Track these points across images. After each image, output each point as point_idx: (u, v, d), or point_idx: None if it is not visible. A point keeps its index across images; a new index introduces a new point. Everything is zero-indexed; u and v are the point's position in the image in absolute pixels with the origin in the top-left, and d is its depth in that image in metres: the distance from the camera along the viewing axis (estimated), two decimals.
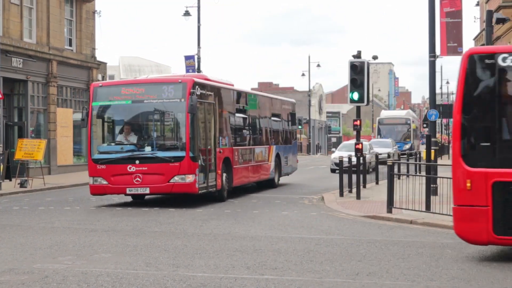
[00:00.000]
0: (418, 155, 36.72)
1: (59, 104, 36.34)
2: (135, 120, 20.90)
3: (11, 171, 29.35)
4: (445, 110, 45.11)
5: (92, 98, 20.63)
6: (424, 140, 25.46)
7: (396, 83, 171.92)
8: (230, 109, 23.19)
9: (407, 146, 57.19)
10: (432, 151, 20.67)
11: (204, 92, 20.71)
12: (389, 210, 17.67)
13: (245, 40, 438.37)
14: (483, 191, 11.19)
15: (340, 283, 9.63)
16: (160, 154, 19.87)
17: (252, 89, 56.14)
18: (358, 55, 22.57)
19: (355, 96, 21.93)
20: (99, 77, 40.00)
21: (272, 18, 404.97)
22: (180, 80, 20.11)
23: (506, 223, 11.11)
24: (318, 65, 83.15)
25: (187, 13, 43.32)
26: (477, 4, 42.64)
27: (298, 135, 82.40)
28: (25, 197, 23.88)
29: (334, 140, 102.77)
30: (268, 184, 26.81)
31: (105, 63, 46.19)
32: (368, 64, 22.36)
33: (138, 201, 21.86)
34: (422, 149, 36.11)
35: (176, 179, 19.54)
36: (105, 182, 20.01)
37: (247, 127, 24.90)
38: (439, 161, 32.87)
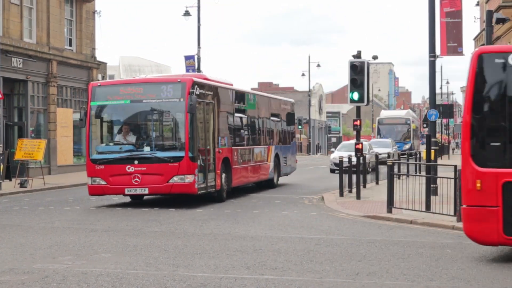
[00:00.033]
0: (418, 155, 36.72)
1: (59, 104, 36.34)
2: (134, 120, 20.78)
3: (11, 171, 29.36)
4: (445, 110, 45.14)
5: (90, 98, 20.50)
6: (424, 140, 25.46)
7: (396, 83, 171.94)
8: (229, 109, 23.12)
9: (407, 146, 57.17)
10: (432, 151, 20.68)
11: (203, 91, 20.63)
12: (389, 210, 17.67)
13: (245, 40, 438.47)
14: (493, 191, 11.07)
15: (340, 283, 9.63)
16: (159, 154, 19.76)
17: (252, 89, 56.15)
18: (358, 55, 22.56)
19: (355, 96, 21.92)
20: (99, 77, 40.00)
21: (272, 18, 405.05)
22: (179, 80, 19.99)
23: None
24: (318, 65, 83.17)
25: (187, 13, 43.33)
26: (477, 4, 42.65)
27: (298, 135, 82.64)
28: (25, 197, 23.88)
29: (334, 140, 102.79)
30: (267, 184, 26.74)
31: (105, 63, 46.19)
32: (368, 64, 22.34)
33: (138, 201, 21.84)
34: (422, 149, 36.10)
35: (175, 179, 19.44)
36: (103, 183, 19.90)
37: (246, 127, 24.83)
38: (439, 161, 32.88)
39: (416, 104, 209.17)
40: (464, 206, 11.49)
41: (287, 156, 29.19)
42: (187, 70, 41.12)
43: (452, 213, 16.06)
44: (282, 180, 29.33)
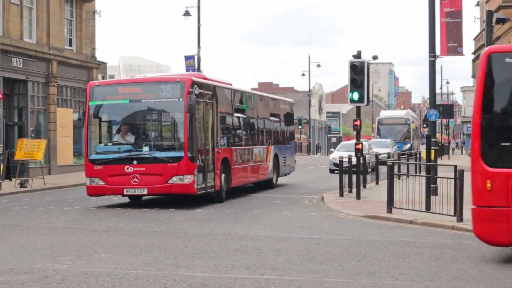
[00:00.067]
0: (418, 155, 36.73)
1: (59, 104, 36.34)
2: (133, 119, 20.65)
3: (11, 171, 29.35)
4: (445, 110, 45.15)
5: (89, 98, 20.32)
6: (424, 140, 25.46)
7: (396, 83, 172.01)
8: (228, 108, 23.02)
9: (407, 146, 57.13)
10: (432, 151, 20.67)
11: (202, 91, 20.49)
12: (389, 210, 17.67)
13: (245, 40, 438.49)
14: (504, 191, 10.96)
15: (340, 283, 9.63)
16: (158, 154, 19.61)
17: (252, 89, 56.12)
18: (358, 55, 22.55)
19: (355, 96, 21.91)
20: (99, 77, 40.00)
21: (272, 18, 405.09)
22: (178, 79, 19.84)
23: None
24: (318, 65, 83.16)
25: (187, 13, 43.33)
26: (477, 4, 42.66)
27: (298, 135, 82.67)
28: (25, 197, 23.87)
29: (334, 140, 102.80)
30: (266, 185, 26.63)
31: (105, 63, 46.19)
32: (368, 64, 22.33)
33: (138, 202, 21.82)
34: (422, 149, 36.10)
35: (175, 179, 19.30)
36: (102, 183, 19.75)
37: (245, 127, 24.69)
38: (439, 161, 32.87)
39: (416, 104, 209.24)
40: (474, 206, 11.34)
41: (286, 156, 29.09)
42: (187, 70, 41.10)
43: (452, 213, 16.06)
44: (282, 180, 29.31)
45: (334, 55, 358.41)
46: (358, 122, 22.88)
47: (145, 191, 19.56)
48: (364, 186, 25.71)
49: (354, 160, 23.51)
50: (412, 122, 62.53)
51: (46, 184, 27.91)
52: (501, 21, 18.76)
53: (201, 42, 42.46)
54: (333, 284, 9.57)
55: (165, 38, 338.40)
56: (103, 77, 41.49)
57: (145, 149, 19.90)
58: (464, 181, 15.98)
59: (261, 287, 9.35)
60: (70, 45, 37.93)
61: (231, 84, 24.28)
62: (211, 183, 20.60)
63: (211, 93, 21.25)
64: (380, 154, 31.24)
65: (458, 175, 15.82)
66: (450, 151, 78.55)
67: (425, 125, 51.99)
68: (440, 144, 53.03)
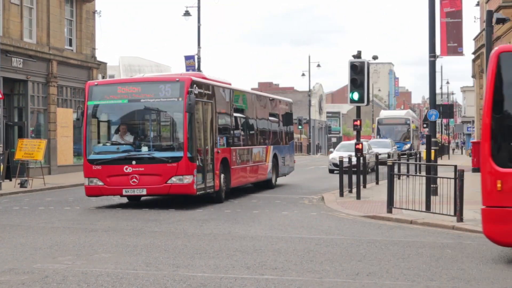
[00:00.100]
0: (418, 155, 36.72)
1: (59, 104, 36.35)
2: (132, 119, 20.52)
3: (11, 171, 29.36)
4: (445, 110, 45.18)
5: (87, 97, 20.13)
6: (424, 140, 25.46)
7: (396, 83, 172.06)
8: (227, 108, 22.90)
9: (407, 146, 57.10)
10: (432, 151, 20.67)
11: (202, 91, 20.35)
12: (389, 210, 17.67)
13: (245, 40, 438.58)
14: None
15: (340, 283, 9.63)
16: (157, 154, 19.46)
17: (252, 89, 56.10)
18: (358, 55, 22.55)
19: (355, 96, 21.91)
20: (99, 77, 40.00)
21: (272, 18, 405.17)
22: (177, 79, 19.67)
23: None
24: (318, 65, 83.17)
25: (187, 13, 43.33)
26: (477, 4, 42.64)
27: (298, 135, 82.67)
28: (25, 197, 23.87)
29: (334, 140, 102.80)
30: (265, 185, 26.51)
31: (105, 63, 46.21)
32: (368, 64, 22.33)
33: (137, 202, 21.81)
34: (422, 149, 36.12)
35: (174, 180, 19.16)
36: (100, 183, 19.59)
37: (244, 127, 24.55)
38: (439, 161, 32.87)
39: (416, 104, 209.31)
40: (484, 207, 11.26)
41: (285, 156, 28.98)
42: (187, 70, 41.07)
43: (452, 213, 16.06)
44: (281, 180, 29.29)
45: (334, 55, 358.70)
46: (358, 122, 22.88)
47: (144, 192, 19.41)
48: (364, 186, 25.71)
49: (354, 160, 23.51)
50: (412, 122, 62.48)
51: (46, 184, 27.91)
52: (501, 21, 18.74)
53: (201, 42, 42.51)
54: (333, 284, 9.57)
55: (165, 38, 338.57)
56: (103, 77, 41.49)
57: (144, 149, 19.74)
58: (464, 181, 16.00)
59: (261, 287, 9.35)
60: (70, 45, 37.94)
61: (230, 84, 24.09)
62: (211, 183, 20.47)
63: (210, 92, 21.14)
64: (380, 154, 31.23)
65: (458, 175, 15.82)
66: (450, 151, 78.58)
67: (425, 125, 52.01)
68: (440, 144, 53.03)
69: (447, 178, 17.13)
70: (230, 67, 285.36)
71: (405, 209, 17.68)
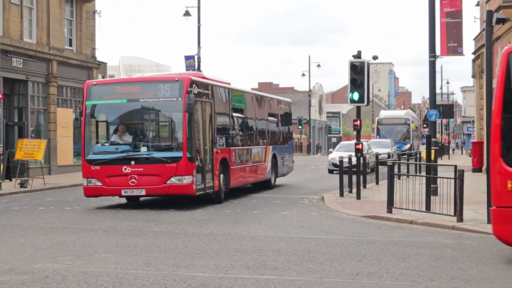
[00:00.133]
0: (418, 155, 36.71)
1: (59, 104, 36.35)
2: (130, 119, 20.34)
3: (11, 171, 29.36)
4: (445, 110, 45.18)
5: (86, 97, 19.95)
6: (424, 140, 25.46)
7: (396, 83, 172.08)
8: (227, 108, 22.73)
9: (407, 147, 57.10)
10: (432, 151, 20.67)
11: (201, 90, 20.21)
12: (389, 210, 17.67)
13: (245, 40, 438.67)
14: None
15: (340, 283, 9.63)
16: (156, 154, 19.30)
17: (252, 89, 56.10)
18: (358, 55, 22.55)
19: (355, 96, 21.90)
20: (99, 77, 40.01)
21: (272, 18, 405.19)
22: (177, 79, 19.51)
23: None
24: (318, 65, 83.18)
25: (187, 13, 43.35)
26: (477, 4, 42.61)
27: (298, 135, 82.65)
28: (25, 197, 23.87)
29: (334, 140, 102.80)
30: (265, 185, 26.41)
31: (105, 63, 46.22)
32: (368, 64, 22.32)
33: (136, 202, 21.80)
34: (422, 149, 36.11)
35: (173, 180, 19.02)
36: (99, 184, 19.44)
37: (244, 127, 24.41)
38: (439, 161, 32.86)
39: (416, 104, 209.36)
40: (493, 207, 11.22)
41: (285, 156, 28.88)
42: (187, 70, 41.06)
43: (452, 213, 16.06)
44: (281, 180, 29.29)
45: (334, 55, 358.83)
46: (358, 122, 22.87)
47: (143, 192, 19.29)
48: (364, 186, 25.71)
49: (354, 160, 23.50)
50: (412, 122, 62.47)
51: (46, 184, 27.91)
52: (501, 21, 18.67)
53: (201, 42, 42.52)
54: (333, 284, 9.57)
55: (165, 38, 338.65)
56: (103, 77, 41.50)
57: (143, 149, 19.58)
58: (464, 181, 16.01)
59: (261, 287, 9.34)
60: (70, 45, 37.94)
61: (229, 84, 23.92)
62: (210, 183, 20.34)
63: (209, 92, 20.99)
64: (379, 154, 31.23)
65: (458, 175, 15.82)
66: (450, 151, 78.61)
67: (425, 125, 52.00)
68: (440, 144, 53.04)
69: (447, 178, 17.14)
70: (230, 67, 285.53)
71: (405, 209, 17.68)
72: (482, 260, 11.37)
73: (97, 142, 20.51)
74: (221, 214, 18.30)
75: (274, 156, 27.15)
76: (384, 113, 65.96)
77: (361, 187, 23.37)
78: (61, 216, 17.87)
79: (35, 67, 34.20)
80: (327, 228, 15.40)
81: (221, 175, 21.31)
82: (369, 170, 30.31)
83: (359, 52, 22.77)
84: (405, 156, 37.02)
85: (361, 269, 10.54)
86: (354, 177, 23.28)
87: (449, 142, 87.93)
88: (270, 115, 27.60)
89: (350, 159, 23.46)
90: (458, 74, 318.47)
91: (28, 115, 34.04)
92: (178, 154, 19.12)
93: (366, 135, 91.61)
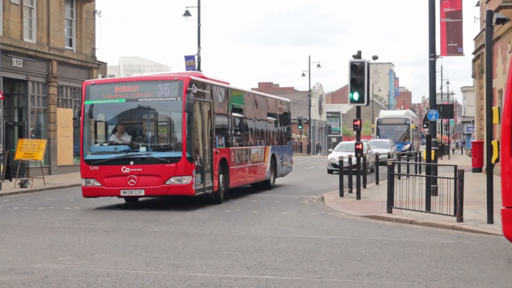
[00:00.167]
0: (418, 155, 36.69)
1: (59, 104, 36.35)
2: (129, 119, 20.15)
3: (11, 171, 29.36)
4: (445, 110, 45.12)
5: (84, 97, 19.78)
6: (424, 140, 25.47)
7: (396, 83, 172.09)
8: (226, 108, 22.61)
9: (406, 147, 57.08)
10: (432, 151, 20.67)
11: (200, 90, 20.08)
12: (389, 210, 17.67)
13: (245, 40, 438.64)
14: None
15: (340, 283, 9.63)
16: (156, 154, 19.15)
17: (252, 89, 56.09)
18: (358, 55, 22.55)
19: (355, 96, 21.90)
20: (99, 77, 40.00)
21: (272, 18, 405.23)
22: (176, 78, 19.36)
23: None
24: (318, 65, 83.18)
25: (187, 13, 43.35)
26: (477, 4, 42.61)
27: (298, 135, 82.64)
28: (25, 197, 23.87)
29: (334, 140, 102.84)
30: (264, 186, 26.34)
31: (105, 63, 46.24)
32: (368, 64, 22.31)
33: (139, 202, 21.79)
34: (422, 149, 36.12)
35: (172, 180, 18.89)
36: (98, 184, 19.30)
37: (243, 127, 24.29)
38: (439, 161, 32.87)
39: (416, 104, 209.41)
40: (504, 207, 11.17)
41: (284, 156, 28.79)
42: (187, 70, 41.06)
43: (452, 213, 16.05)
44: (281, 180, 29.28)
45: (334, 55, 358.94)
46: (358, 122, 22.86)
47: (142, 192, 19.16)
48: (364, 186, 25.71)
49: (354, 160, 23.50)
50: (412, 122, 62.44)
51: (46, 184, 27.91)
52: (501, 21, 18.66)
53: (201, 42, 42.52)
54: (333, 284, 9.57)
55: (165, 38, 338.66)
56: (103, 77, 41.49)
57: (142, 149, 19.43)
58: (464, 181, 16.01)
59: (261, 287, 9.34)
60: (70, 45, 37.94)
61: (228, 84, 23.79)
62: (209, 184, 20.22)
63: (209, 92, 20.87)
64: (379, 154, 31.23)
65: (458, 175, 15.82)
66: (450, 151, 78.62)
67: (425, 125, 51.97)
68: (440, 144, 53.04)
69: (447, 178, 17.14)
70: (230, 67, 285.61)
71: (405, 209, 17.68)
72: (482, 260, 11.37)
73: (96, 142, 20.38)
74: (221, 214, 18.30)
75: (273, 156, 27.08)
76: (383, 113, 65.91)
77: (361, 187, 23.37)
78: (61, 216, 17.87)
79: (35, 67, 34.20)
80: (327, 228, 15.40)
81: (221, 175, 21.22)
82: (368, 171, 30.31)
83: (359, 52, 22.77)
84: (405, 156, 37.01)
85: (361, 269, 10.54)
86: (354, 177, 23.28)
87: (449, 142, 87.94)
88: (269, 115, 27.51)
89: (350, 159, 23.45)
90: (458, 74, 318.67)
91: (28, 115, 34.04)
92: (178, 154, 18.99)
93: (366, 135, 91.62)
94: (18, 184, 26.88)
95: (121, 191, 19.27)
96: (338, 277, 10.03)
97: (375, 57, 48.35)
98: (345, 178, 23.11)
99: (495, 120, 13.96)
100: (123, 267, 10.64)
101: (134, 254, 11.89)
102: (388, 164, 18.55)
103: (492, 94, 16.40)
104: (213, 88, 21.45)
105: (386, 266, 10.84)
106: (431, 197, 18.13)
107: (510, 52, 26.12)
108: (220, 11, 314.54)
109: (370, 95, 70.36)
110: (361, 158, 24.14)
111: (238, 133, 23.81)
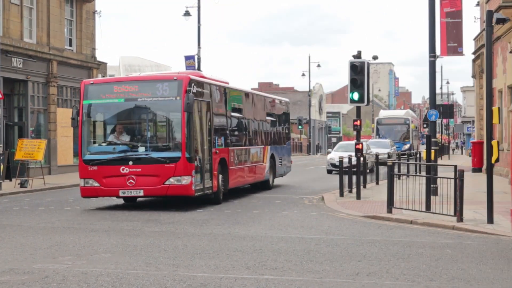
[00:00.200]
0: (418, 155, 36.69)
1: (59, 104, 36.35)
2: (128, 119, 19.97)
3: (11, 171, 29.35)
4: (445, 110, 45.12)
5: (83, 96, 19.63)
6: (424, 140, 25.48)
7: (396, 83, 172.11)
8: (225, 108, 22.51)
9: (406, 147, 57.06)
10: (432, 151, 20.67)
11: (200, 90, 19.95)
12: (389, 210, 17.67)
13: (245, 40, 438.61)
14: None
15: (340, 283, 9.63)
16: (155, 154, 19.01)
17: (252, 89, 56.08)
18: (358, 55, 22.55)
19: (355, 96, 21.90)
20: (99, 77, 39.96)
21: (272, 18, 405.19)
22: (175, 77, 19.20)
23: None
24: (318, 65, 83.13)
25: (187, 13, 43.35)
26: (477, 4, 42.61)
27: (298, 135, 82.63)
28: (25, 197, 23.87)
29: (334, 140, 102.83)
30: (263, 186, 26.27)
31: (105, 63, 46.22)
32: (368, 64, 22.31)
33: (139, 202, 21.78)
34: (422, 149, 36.11)
35: (172, 180, 18.77)
36: (96, 184, 19.16)
37: (242, 127, 24.20)
38: (439, 161, 32.87)
39: (416, 104, 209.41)
40: None
41: (283, 156, 28.72)
42: (187, 70, 41.05)
43: (452, 213, 16.05)
44: (282, 180, 29.27)
45: (334, 55, 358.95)
46: (358, 122, 22.86)
47: (141, 193, 19.03)
48: (364, 186, 25.71)
49: (353, 160, 23.50)
50: (412, 122, 62.41)
51: (46, 184, 27.91)
52: (501, 21, 18.64)
53: (201, 42, 42.52)
54: (333, 284, 9.57)
55: (165, 38, 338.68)
56: (103, 77, 41.45)
57: (141, 149, 19.27)
58: (464, 181, 16.01)
59: (261, 287, 9.34)
60: (70, 45, 37.94)
61: (228, 83, 23.67)
62: (209, 184, 20.10)
63: (208, 92, 20.73)
64: (379, 154, 31.23)
65: (458, 175, 15.82)
66: (450, 151, 78.62)
67: (425, 125, 51.98)
68: (440, 144, 53.02)
69: (447, 178, 17.14)
70: (230, 67, 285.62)
71: (405, 209, 17.68)
72: (482, 260, 11.37)
73: (94, 142, 20.25)
74: (221, 214, 18.30)
75: (272, 156, 27.02)
76: (383, 113, 65.86)
77: (361, 187, 23.37)
78: (61, 216, 17.87)
79: (35, 67, 34.20)
80: (327, 228, 15.40)
81: (220, 176, 21.14)
82: (368, 171, 30.31)
83: (359, 52, 22.77)
84: (405, 156, 36.99)
85: (361, 269, 10.54)
86: (354, 177, 23.28)
87: (449, 142, 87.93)
88: (268, 114, 27.43)
89: (350, 159, 23.45)
90: (458, 74, 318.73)
91: (28, 115, 34.04)
92: (177, 154, 18.88)
93: (366, 135, 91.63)
94: (18, 184, 26.88)
95: (120, 192, 19.14)
96: (338, 277, 10.03)
97: (375, 57, 48.36)
98: (345, 178, 23.11)
99: (495, 120, 13.95)
100: (123, 267, 10.64)
101: (134, 254, 11.89)
102: (388, 164, 18.55)
103: (492, 94, 16.40)
104: (212, 87, 21.34)
105: (386, 266, 10.84)
106: (431, 197, 18.13)
107: (510, 52, 26.10)
108: (220, 11, 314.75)
109: (370, 95, 70.36)
110: (361, 158, 24.13)
111: (237, 133, 23.72)
